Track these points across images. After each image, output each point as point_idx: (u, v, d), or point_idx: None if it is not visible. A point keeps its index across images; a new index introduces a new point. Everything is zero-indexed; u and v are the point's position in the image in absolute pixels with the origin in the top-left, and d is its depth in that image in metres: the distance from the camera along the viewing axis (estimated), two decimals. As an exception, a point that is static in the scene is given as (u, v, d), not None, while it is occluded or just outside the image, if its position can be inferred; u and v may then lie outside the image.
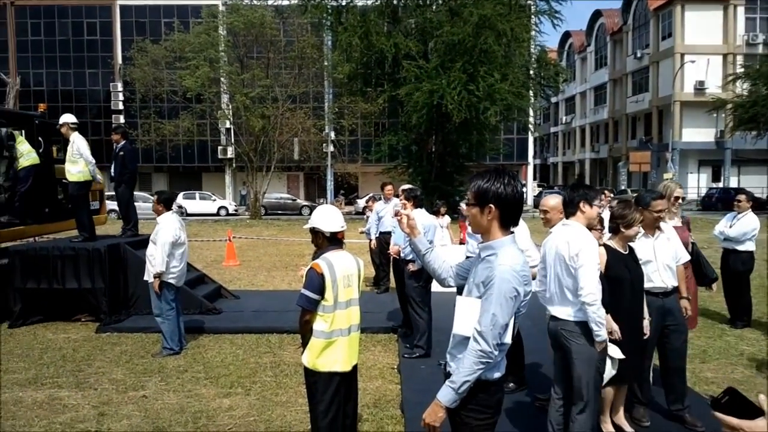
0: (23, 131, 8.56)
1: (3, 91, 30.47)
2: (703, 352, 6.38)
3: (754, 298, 7.77)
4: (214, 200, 34.15)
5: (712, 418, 1.37)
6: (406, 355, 6.08)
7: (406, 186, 6.78)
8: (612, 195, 6.63)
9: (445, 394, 2.30)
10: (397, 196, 8.25)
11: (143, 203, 30.31)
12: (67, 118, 7.86)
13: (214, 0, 33.59)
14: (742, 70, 30.40)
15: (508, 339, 2.31)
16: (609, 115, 48.07)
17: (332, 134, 34.58)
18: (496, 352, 2.26)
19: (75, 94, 41.11)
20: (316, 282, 3.32)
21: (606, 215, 4.60)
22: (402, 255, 6.35)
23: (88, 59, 40.90)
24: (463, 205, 5.90)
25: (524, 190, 2.71)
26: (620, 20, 45.39)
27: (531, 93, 24.49)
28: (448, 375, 2.39)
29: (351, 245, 13.90)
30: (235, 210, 34.49)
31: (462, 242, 9.92)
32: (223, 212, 33.14)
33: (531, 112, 27.02)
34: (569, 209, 3.69)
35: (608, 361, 3.63)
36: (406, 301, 6.44)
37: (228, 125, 32.41)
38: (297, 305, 3.40)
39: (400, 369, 5.76)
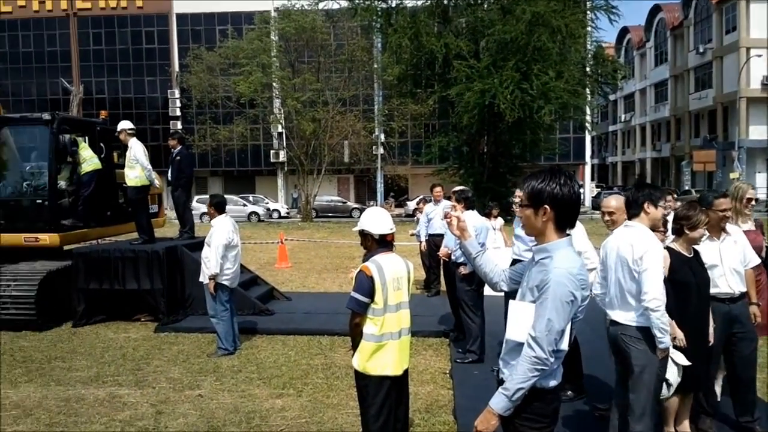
0: (86, 137, 8.92)
1: (67, 99, 32.06)
2: (777, 361, 5.99)
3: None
4: (267, 203, 34.77)
5: None
6: (458, 360, 5.98)
7: (458, 188, 6.67)
8: (675, 196, 6.31)
9: (498, 402, 2.24)
10: (447, 198, 8.15)
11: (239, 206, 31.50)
12: (125, 124, 8.17)
13: (267, 6, 34.33)
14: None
15: (564, 345, 2.23)
16: (671, 112, 46.28)
17: (382, 136, 34.66)
18: (552, 359, 2.19)
19: (135, 101, 42.80)
20: (366, 285, 3.29)
21: (671, 217, 4.37)
22: (453, 258, 6.24)
23: (146, 67, 42.53)
24: (516, 199, 5.73)
25: (581, 190, 2.57)
26: (681, 14, 43.64)
27: (587, 91, 23.82)
28: (501, 382, 2.32)
29: (401, 248, 13.82)
30: (287, 213, 35.05)
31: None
32: (275, 215, 33.72)
33: (588, 110, 26.24)
34: (632, 210, 3.54)
35: (673, 369, 3.47)
36: (458, 305, 6.32)
37: (280, 129, 33.01)
38: (347, 308, 3.38)
39: (453, 374, 5.67)
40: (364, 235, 3.49)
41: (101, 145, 9.06)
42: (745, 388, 4.17)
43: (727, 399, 4.38)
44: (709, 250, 4.02)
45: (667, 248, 3.77)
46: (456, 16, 23.63)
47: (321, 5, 26.70)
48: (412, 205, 31.25)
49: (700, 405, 4.08)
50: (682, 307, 3.58)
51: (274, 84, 29.85)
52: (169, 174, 8.49)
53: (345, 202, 35.94)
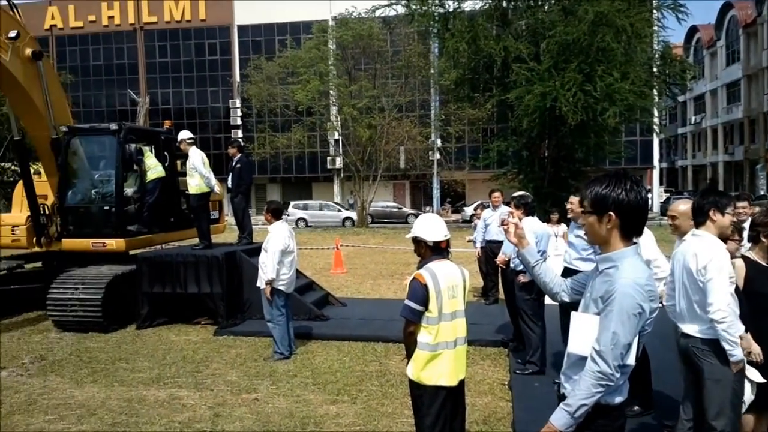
0: (151, 147, 9.25)
1: (134, 110, 33.58)
2: None
3: None
4: (339, 210, 35.03)
5: None
6: (517, 371, 5.79)
7: (517, 193, 6.48)
8: (750, 201, 5.87)
9: (560, 418, 2.12)
10: (506, 203, 7.95)
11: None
12: (185, 134, 8.44)
13: (325, 15, 34.88)
14: None
15: (631, 360, 2.11)
16: (744, 114, 43.79)
17: (438, 141, 34.48)
18: (618, 375, 2.08)
19: (198, 111, 44.34)
20: (420, 293, 3.23)
21: (747, 224, 4.09)
22: (511, 265, 6.05)
23: (209, 78, 43.99)
24: (570, 205, 5.52)
25: (649, 195, 2.41)
26: (754, 11, 41.25)
27: (655, 92, 22.81)
28: (562, 397, 2.23)
29: (458, 254, 13.74)
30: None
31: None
32: (348, 223, 33.94)
33: (655, 112, 25.11)
34: (698, 218, 3.40)
35: (747, 385, 3.28)
36: (517, 314, 6.12)
37: (336, 136, 33.40)
38: (400, 316, 3.33)
39: (512, 385, 5.50)
40: (417, 242, 3.43)
41: (165, 153, 9.36)
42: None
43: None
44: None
45: (743, 257, 3.62)
46: (515, 18, 23.17)
47: (378, 12, 26.84)
48: (469, 210, 30.88)
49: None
50: (758, 320, 3.37)
51: (331, 92, 30.25)
52: (229, 181, 8.70)
53: (401, 208, 35.90)
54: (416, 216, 31.38)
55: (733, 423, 3.21)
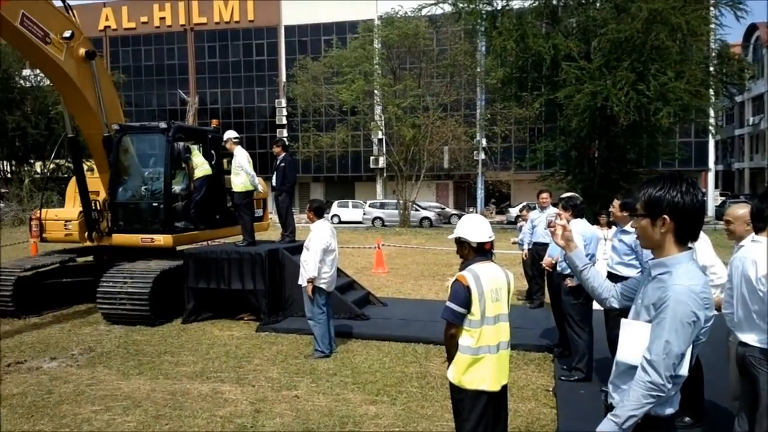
0: (199, 145, 9.42)
1: (183, 109, 34.49)
2: None
3: None
4: (443, 209, 35.14)
5: None
6: (563, 378, 5.63)
7: (565, 194, 6.29)
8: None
9: (607, 428, 2.06)
10: (554, 204, 7.74)
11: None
12: (230, 134, 8.62)
13: (371, 15, 34.97)
14: None
15: (683, 371, 2.03)
16: (806, 114, 41.60)
17: (483, 141, 34.06)
18: (669, 385, 2.01)
19: (245, 110, 45.13)
20: (462, 295, 3.17)
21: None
22: (558, 269, 5.87)
23: (256, 78, 44.70)
24: (611, 209, 5.33)
25: (704, 199, 2.31)
26: (819, 5, 39.05)
27: (711, 91, 21.92)
28: (610, 407, 2.17)
29: (501, 256, 13.43)
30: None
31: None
32: (378, 223, 34.10)
33: (711, 113, 24.16)
34: (758, 223, 3.25)
35: None
36: (563, 319, 5.95)
37: (380, 135, 33.43)
38: (442, 318, 3.27)
39: (556, 392, 5.36)
40: (460, 243, 3.36)
41: (212, 152, 9.52)
42: None
43: None
44: None
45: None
46: (565, 16, 22.70)
47: (424, 11, 26.75)
48: (514, 212, 30.44)
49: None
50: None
51: (375, 91, 30.28)
52: (274, 180, 8.79)
53: (443, 208, 35.62)
54: (459, 217, 31.31)
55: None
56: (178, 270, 8.26)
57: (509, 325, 3.35)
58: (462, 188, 42.38)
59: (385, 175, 39.16)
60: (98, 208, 9.07)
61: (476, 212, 34.61)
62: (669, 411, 2.09)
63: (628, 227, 5.07)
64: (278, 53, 43.92)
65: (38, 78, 27.49)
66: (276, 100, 43.50)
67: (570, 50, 20.26)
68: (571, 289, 5.57)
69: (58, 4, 7.99)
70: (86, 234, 9.09)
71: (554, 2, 22.19)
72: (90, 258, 9.76)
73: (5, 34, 7.26)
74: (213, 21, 44.61)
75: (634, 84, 18.59)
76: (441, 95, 29.57)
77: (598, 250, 5.96)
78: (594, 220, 8.67)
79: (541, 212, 8.52)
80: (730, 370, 3.63)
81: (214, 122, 10.65)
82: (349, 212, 34.62)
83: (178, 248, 8.95)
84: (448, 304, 3.21)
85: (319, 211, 6.69)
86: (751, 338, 3.19)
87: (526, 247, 8.97)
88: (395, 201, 32.31)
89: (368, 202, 33.13)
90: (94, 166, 9.49)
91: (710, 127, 25.33)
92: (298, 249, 7.48)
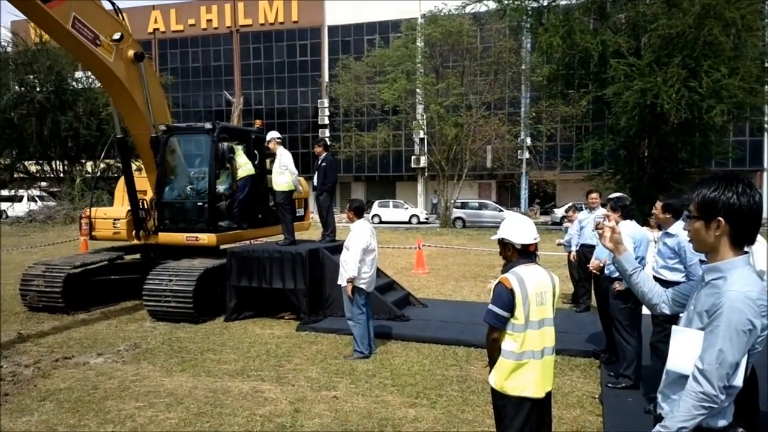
0: (243, 145, 9.53)
1: (229, 110, 35.16)
2: None
3: None
4: (407, 208, 35.21)
5: None
6: (609, 385, 5.44)
7: (614, 194, 6.07)
8: None
9: None
10: (602, 205, 7.49)
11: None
12: (273, 134, 8.71)
13: (414, 14, 34.86)
14: None
15: (738, 381, 1.93)
16: None
17: (528, 140, 33.46)
18: (722, 396, 1.92)
19: (288, 111, 45.78)
20: (505, 298, 3.07)
21: None
22: (606, 272, 5.66)
23: (299, 78, 45.29)
24: (657, 210, 5.10)
25: (761, 200, 2.15)
26: None
27: (766, 88, 20.97)
28: (659, 417, 2.10)
29: (546, 258, 13.21)
30: (427, 218, 35.21)
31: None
32: (414, 220, 34.03)
33: (767, 110, 23.11)
34: None
35: None
36: (611, 324, 5.74)
37: (421, 135, 33.27)
38: (484, 321, 3.17)
39: (603, 399, 5.18)
40: (504, 244, 3.25)
41: (255, 152, 9.61)
42: None
43: None
44: None
45: None
46: (614, 12, 22.12)
47: (468, 9, 26.50)
48: (559, 212, 29.82)
49: None
50: None
51: (417, 90, 30.16)
52: (315, 179, 8.81)
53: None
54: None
55: None
56: (221, 268, 8.36)
57: (554, 330, 3.24)
58: (505, 188, 41.80)
59: (426, 174, 38.99)
60: (145, 207, 9.28)
61: (520, 212, 34.08)
62: (722, 423, 2.00)
63: (671, 229, 4.86)
64: (321, 53, 44.33)
65: (90, 80, 28.51)
66: (318, 100, 43.91)
67: (619, 46, 19.74)
68: (620, 293, 5.38)
69: (108, 7, 8.19)
70: (134, 232, 9.31)
71: (602, -2, 21.66)
72: (137, 256, 10.00)
73: (57, 36, 7.51)
74: (258, 22, 45.38)
75: (685, 81, 17.97)
76: (484, 93, 29.19)
77: (648, 253, 5.71)
78: (644, 222, 8.36)
79: (590, 213, 8.27)
80: None
81: (258, 123, 10.76)
82: (389, 212, 34.63)
83: (222, 247, 9.07)
84: (491, 307, 3.12)
85: (359, 210, 6.66)
86: None
87: (573, 248, 8.71)
88: (477, 201, 31.84)
89: (459, 201, 32.53)
90: (142, 166, 9.73)
91: (766, 125, 24.25)
92: (338, 249, 7.46)
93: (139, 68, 8.52)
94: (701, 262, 4.34)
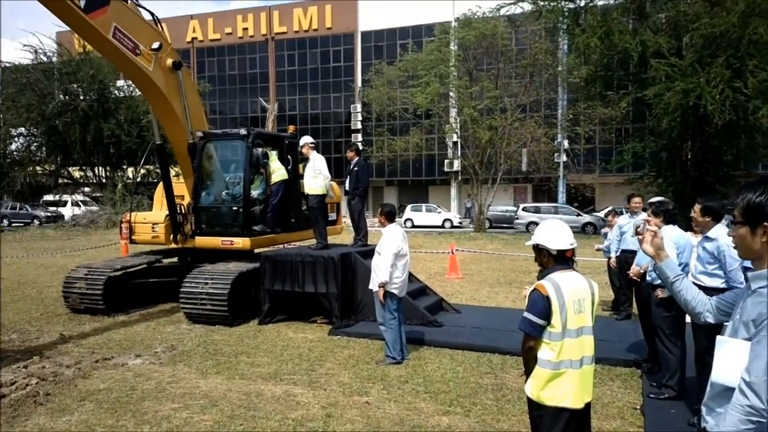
0: (276, 151, 9.61)
1: (264, 116, 35.63)
2: None
3: None
4: (440, 212, 35.03)
5: None
6: (651, 395, 5.26)
7: (655, 198, 5.89)
8: None
9: None
10: (644, 210, 7.28)
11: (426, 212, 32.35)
12: (307, 139, 8.76)
13: (447, 17, 34.74)
14: None
15: None
16: None
17: (565, 143, 32.88)
18: None
19: (321, 116, 46.20)
20: (541, 305, 2.99)
21: None
22: (648, 279, 5.48)
23: (332, 84, 45.70)
24: (696, 213, 4.91)
25: None
26: None
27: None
28: (703, 431, 2.05)
29: (584, 264, 12.94)
30: (460, 222, 34.94)
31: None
32: (447, 224, 33.81)
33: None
34: None
35: None
36: (653, 332, 5.55)
37: (455, 138, 33.06)
38: (519, 329, 3.10)
39: (644, 410, 5.01)
40: (539, 250, 3.17)
41: (289, 157, 9.68)
42: None
43: None
44: None
45: None
46: (654, 11, 21.61)
47: (503, 11, 26.27)
48: (598, 215, 29.22)
49: None
50: None
51: (451, 93, 30.01)
52: (347, 184, 8.83)
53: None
54: (538, 222, 30.24)
55: None
56: (255, 272, 8.44)
57: (593, 338, 3.15)
58: (542, 191, 41.16)
59: (459, 178, 38.72)
60: (183, 211, 9.44)
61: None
62: (770, 438, 1.88)
63: (711, 233, 4.67)
64: (354, 59, 44.61)
65: (131, 88, 29.29)
66: (351, 105, 44.17)
67: (659, 46, 19.27)
68: (662, 301, 5.19)
69: (148, 17, 8.38)
70: (171, 236, 9.49)
71: (642, -3, 21.20)
72: (175, 259, 10.19)
73: (99, 45, 7.72)
74: (292, 30, 45.99)
75: (729, 81, 17.40)
76: (520, 96, 28.84)
77: (692, 259, 5.51)
78: (687, 227, 8.08)
79: (631, 217, 8.05)
80: None
81: (291, 128, 10.86)
82: (422, 216, 34.50)
83: (256, 251, 9.16)
84: (526, 314, 3.04)
85: (390, 215, 6.63)
86: None
87: (613, 254, 8.49)
88: (551, 205, 31.23)
89: (521, 205, 32.05)
90: (180, 172, 9.92)
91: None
92: (370, 253, 7.44)
93: (177, 76, 8.68)
94: (745, 269, 4.17)
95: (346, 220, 10.14)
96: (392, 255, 6.26)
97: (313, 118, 45.71)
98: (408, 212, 34.84)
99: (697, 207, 4.82)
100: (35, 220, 31.36)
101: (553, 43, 28.47)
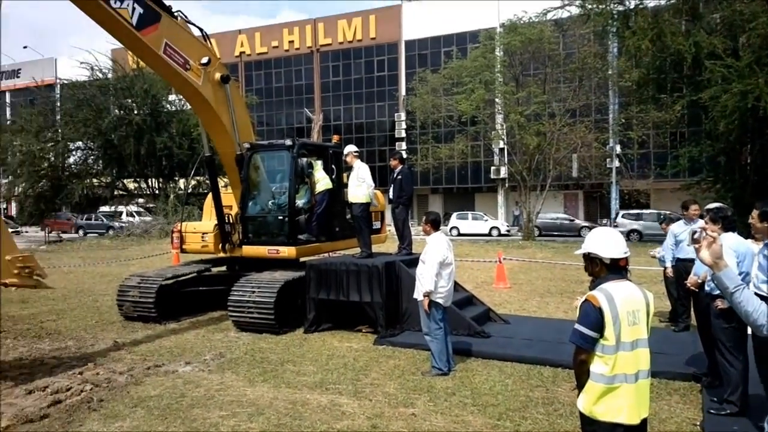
0: (321, 160, 9.70)
1: (309, 127, 36.17)
2: None
3: None
4: (486, 220, 34.60)
5: None
6: (712, 411, 5.01)
7: (713, 205, 5.62)
8: None
9: None
10: (701, 216, 6.96)
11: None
12: (350, 148, 8.83)
13: (492, 23, 34.46)
14: None
15: None
16: None
17: (618, 148, 31.93)
18: None
19: (365, 125, 46.59)
20: (593, 317, 2.89)
21: None
22: (707, 288, 5.22)
23: (377, 93, 46.05)
24: (754, 219, 4.62)
25: None
26: None
27: None
28: None
29: (639, 273, 12.49)
30: (508, 230, 34.41)
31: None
32: (495, 233, 33.36)
33: None
34: None
35: None
36: (713, 344, 5.28)
37: (501, 145, 32.63)
38: (570, 342, 3.00)
39: (704, 427, 4.79)
40: (590, 259, 3.07)
41: (333, 166, 9.75)
42: None
43: None
44: None
45: None
46: (708, 12, 20.88)
47: (549, 15, 25.85)
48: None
49: None
50: None
51: (496, 99, 29.67)
52: (391, 192, 8.81)
53: (572, 220, 33.88)
54: (590, 229, 29.36)
55: None
56: (300, 281, 8.49)
57: (649, 351, 3.02)
58: (593, 198, 40.10)
59: (507, 185, 38.17)
60: (231, 221, 9.62)
61: (610, 224, 32.54)
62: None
63: None
64: (398, 68, 44.83)
65: (182, 102, 30.21)
66: (395, 114, 44.34)
67: (714, 47, 18.57)
68: (722, 312, 4.94)
69: (197, 33, 8.62)
70: (220, 245, 9.68)
71: (695, -2, 20.53)
72: (223, 268, 10.38)
73: (150, 61, 7.99)
74: (337, 41, 46.63)
75: (790, 82, 16.59)
76: (568, 100, 28.23)
77: (753, 268, 5.21)
78: (747, 234, 7.68)
79: (687, 225, 7.72)
80: None
81: (335, 138, 10.94)
82: (468, 224, 34.14)
83: (301, 259, 9.23)
84: (577, 326, 2.94)
85: (435, 223, 6.55)
86: None
87: (669, 263, 8.14)
88: (651, 211, 30.51)
89: (621, 212, 31.19)
90: (229, 183, 10.12)
91: None
92: (414, 262, 7.37)
93: (226, 90, 8.89)
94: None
95: (391, 229, 10.10)
96: (437, 264, 6.18)
97: (358, 127, 46.10)
98: (453, 220, 34.56)
99: (755, 213, 4.55)
100: (110, 231, 32.56)
101: (602, 47, 27.79)
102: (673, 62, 20.42)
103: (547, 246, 24.34)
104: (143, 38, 7.43)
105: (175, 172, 32.69)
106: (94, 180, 33.14)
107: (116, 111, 31.06)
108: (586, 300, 2.94)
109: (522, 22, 28.05)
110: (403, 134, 43.66)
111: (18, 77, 53.53)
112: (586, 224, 32.68)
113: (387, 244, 11.00)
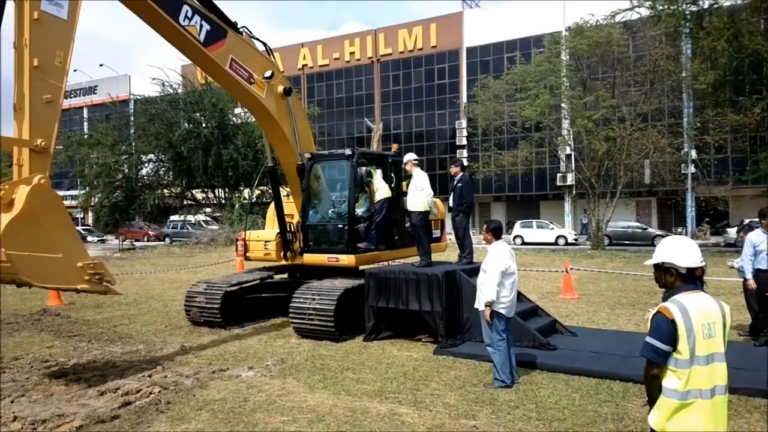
0: (380, 169, 9.72)
1: (369, 136, 36.43)
2: None
3: None
4: (552, 229, 33.65)
5: None
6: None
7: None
8: None
9: None
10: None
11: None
12: (410, 156, 8.84)
13: (557, 27, 33.65)
14: None
15: None
16: None
17: (693, 153, 30.28)
18: None
19: (426, 133, 46.50)
20: (665, 330, 2.76)
21: None
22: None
23: (437, 101, 45.90)
24: None
25: None
26: None
27: None
28: None
29: (716, 284, 11.78)
30: (575, 239, 33.31)
31: None
32: (561, 241, 32.37)
33: None
34: None
35: None
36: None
37: (568, 151, 31.67)
38: (641, 355, 2.88)
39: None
40: (663, 269, 2.94)
41: (392, 175, 9.76)
42: None
43: None
44: None
45: None
46: (789, 9, 19.68)
47: (618, 17, 24.98)
48: (732, 232, 26.69)
49: None
50: None
51: (563, 105, 28.83)
52: (451, 200, 8.71)
53: (645, 229, 32.39)
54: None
55: None
56: (360, 289, 8.51)
57: (726, 366, 2.87)
58: (668, 206, 38.23)
59: (574, 192, 37.00)
60: (292, 229, 9.79)
61: (685, 233, 30.94)
62: None
63: None
64: (459, 75, 44.55)
65: (247, 115, 31.15)
66: (456, 122, 44.02)
67: (796, 47, 17.44)
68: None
69: (261, 47, 8.87)
70: (282, 253, 9.86)
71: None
72: (285, 275, 10.57)
73: (217, 76, 8.30)
74: (398, 51, 46.92)
75: None
76: (639, 104, 27.01)
77: None
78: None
79: (765, 233, 7.20)
80: None
81: (395, 146, 10.97)
82: (533, 233, 33.32)
83: (361, 268, 9.26)
84: (649, 339, 2.82)
85: (497, 231, 6.40)
86: None
87: (749, 274, 7.62)
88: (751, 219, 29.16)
89: (747, 220, 30.10)
90: (290, 192, 10.31)
91: None
92: (475, 271, 7.23)
93: (288, 102, 9.10)
94: None
95: (451, 238, 9.98)
96: (499, 273, 6.03)
97: (418, 135, 46.10)
98: (517, 229, 33.84)
99: None
100: (194, 238, 34.04)
101: (674, 48, 26.47)
102: (752, 63, 19.36)
103: (618, 255, 23.33)
104: (210, 54, 7.72)
105: (240, 182, 33.69)
106: (165, 190, 34.65)
107: (186, 124, 32.34)
108: (658, 312, 2.82)
109: (589, 25, 27.20)
110: (464, 141, 43.24)
111: (95, 93, 57.03)
112: (660, 233, 31.13)
113: (447, 253, 10.87)
